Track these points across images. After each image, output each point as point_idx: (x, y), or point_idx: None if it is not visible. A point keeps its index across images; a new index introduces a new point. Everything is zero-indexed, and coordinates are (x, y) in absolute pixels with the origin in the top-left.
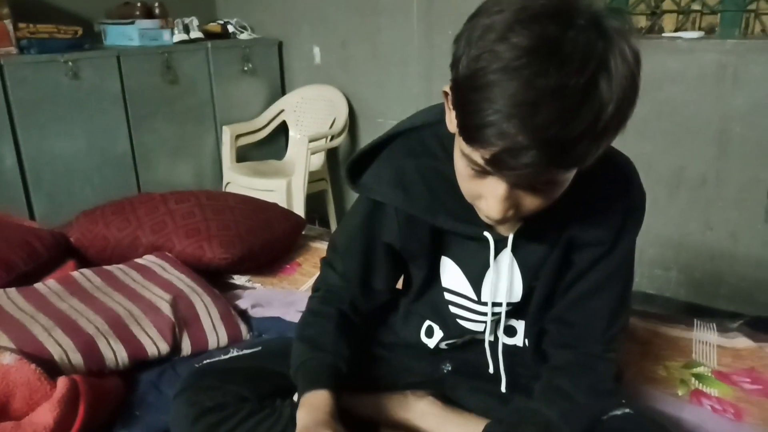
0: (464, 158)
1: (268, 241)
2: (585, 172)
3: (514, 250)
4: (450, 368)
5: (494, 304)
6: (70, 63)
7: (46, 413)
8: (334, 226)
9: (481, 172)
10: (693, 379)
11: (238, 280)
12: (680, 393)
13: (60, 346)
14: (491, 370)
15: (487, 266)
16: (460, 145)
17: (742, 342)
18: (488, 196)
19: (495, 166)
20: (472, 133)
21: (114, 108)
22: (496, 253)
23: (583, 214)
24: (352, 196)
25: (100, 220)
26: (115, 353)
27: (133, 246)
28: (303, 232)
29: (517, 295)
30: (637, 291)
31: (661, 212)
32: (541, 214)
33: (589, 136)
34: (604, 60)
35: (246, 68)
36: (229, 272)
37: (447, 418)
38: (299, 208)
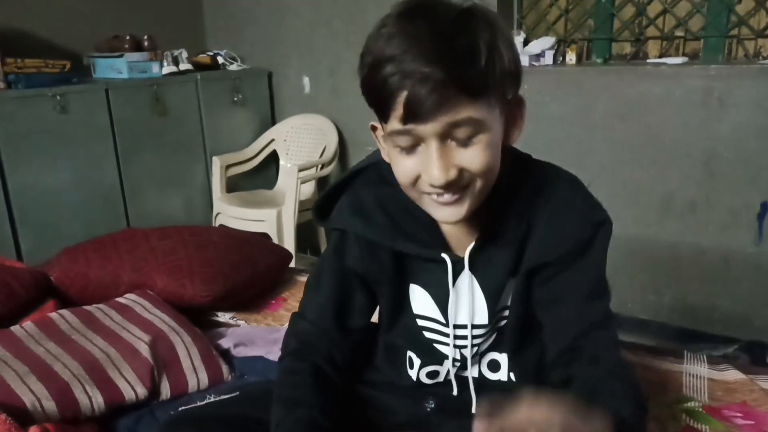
0: (391, 141)
1: (252, 276)
2: (531, 187)
3: (474, 273)
4: (433, 405)
5: (462, 327)
6: (58, 97)
7: None
8: None
9: (410, 145)
10: (684, 415)
11: (222, 317)
12: (671, 431)
13: (33, 394)
14: (474, 408)
15: (449, 289)
16: (385, 137)
17: (732, 375)
18: (425, 163)
19: (411, 110)
20: (382, 99)
21: (102, 141)
22: (457, 275)
23: (538, 235)
24: None
25: (81, 257)
26: (91, 399)
27: (114, 284)
28: (291, 265)
29: (481, 318)
30: (630, 317)
31: (653, 237)
32: (495, 231)
33: (477, 55)
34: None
35: (236, 99)
36: (212, 309)
37: None
38: (290, 238)
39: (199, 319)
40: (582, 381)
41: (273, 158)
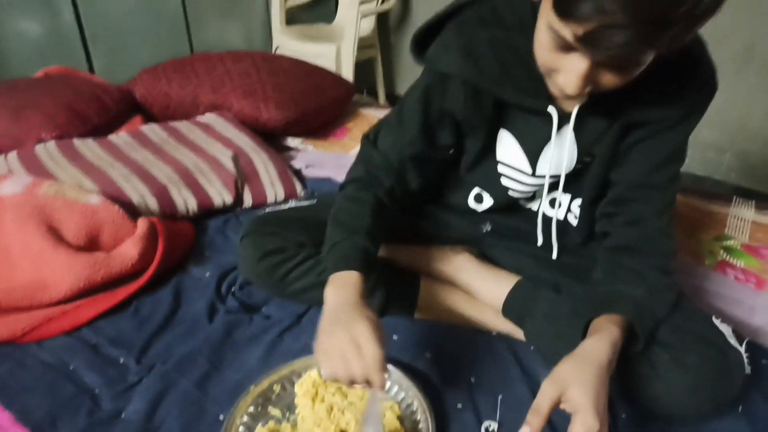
0: (550, 31)
1: (320, 105)
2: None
3: (574, 126)
4: (489, 229)
5: (542, 177)
6: None
7: (130, 247)
8: (381, 95)
9: (566, 48)
10: (722, 251)
11: (292, 142)
12: (707, 263)
13: (137, 192)
14: (540, 241)
15: (547, 140)
16: (547, 16)
17: None
18: (568, 71)
19: (585, 43)
20: (567, 5)
21: None
22: (558, 128)
23: (651, 93)
24: (403, 66)
25: (163, 77)
26: (186, 201)
27: (194, 104)
28: (352, 99)
29: (567, 168)
30: (686, 172)
31: (726, 92)
32: (609, 92)
33: (688, 18)
34: None
35: None
36: (283, 134)
37: (480, 273)
38: (348, 76)
39: (270, 142)
40: (612, 247)
41: None
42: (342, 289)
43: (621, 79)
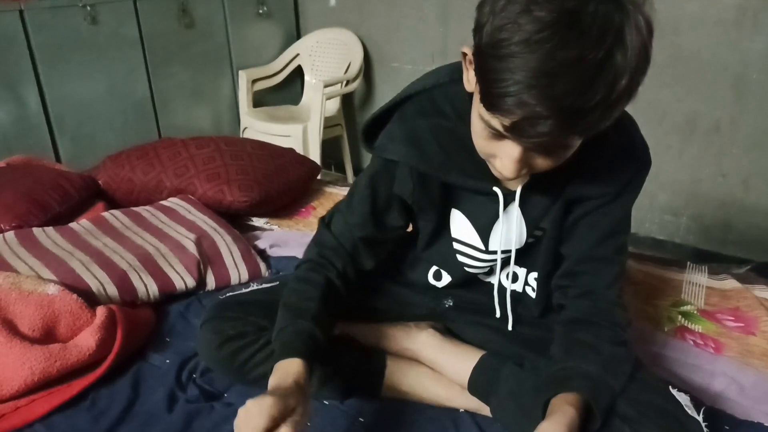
0: (482, 121)
1: (284, 185)
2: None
3: (519, 202)
4: (451, 303)
5: (495, 252)
6: (88, 8)
7: (88, 337)
8: (349, 171)
9: (498, 135)
10: (679, 316)
11: (257, 222)
12: (666, 329)
13: (97, 279)
14: (498, 313)
15: (496, 218)
16: (478, 108)
17: (730, 284)
18: (503, 156)
19: (513, 132)
20: (492, 100)
21: (132, 53)
22: (504, 206)
23: (588, 171)
24: None
25: (126, 164)
26: (147, 286)
27: (158, 189)
28: (318, 177)
29: (519, 243)
30: (647, 236)
31: (674, 159)
32: (548, 171)
33: (604, 106)
34: (620, 33)
35: (261, 11)
36: (248, 215)
37: (445, 349)
38: (315, 154)
39: (236, 223)
40: (567, 320)
41: (298, 73)
42: (281, 377)
43: (553, 162)
